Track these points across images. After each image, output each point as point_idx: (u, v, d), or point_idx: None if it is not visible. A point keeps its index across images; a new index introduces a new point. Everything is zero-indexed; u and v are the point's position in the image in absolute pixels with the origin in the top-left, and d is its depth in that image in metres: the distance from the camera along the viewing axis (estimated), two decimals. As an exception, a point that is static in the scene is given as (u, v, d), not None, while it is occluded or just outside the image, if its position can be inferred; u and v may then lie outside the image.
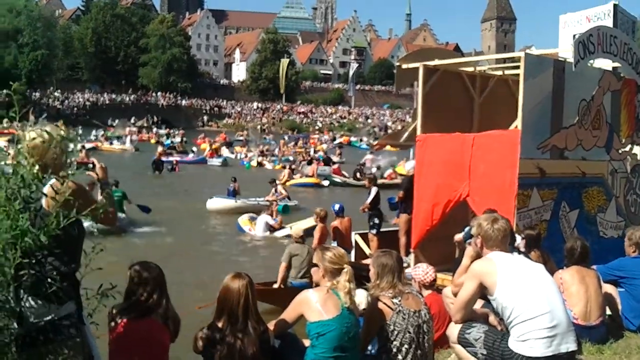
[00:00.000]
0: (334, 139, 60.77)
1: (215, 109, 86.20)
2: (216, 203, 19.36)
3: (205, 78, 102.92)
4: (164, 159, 32.78)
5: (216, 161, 35.98)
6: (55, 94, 77.34)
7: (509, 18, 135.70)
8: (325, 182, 27.38)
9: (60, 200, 2.96)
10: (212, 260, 13.21)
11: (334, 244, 10.70)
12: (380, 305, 3.90)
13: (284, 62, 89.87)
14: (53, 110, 68.35)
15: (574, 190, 8.67)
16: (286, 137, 53.19)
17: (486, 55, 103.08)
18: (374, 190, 11.24)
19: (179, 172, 30.97)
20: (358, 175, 26.39)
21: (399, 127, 55.53)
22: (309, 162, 32.41)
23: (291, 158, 37.22)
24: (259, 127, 75.16)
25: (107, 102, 79.81)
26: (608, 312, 5.73)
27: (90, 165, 3.62)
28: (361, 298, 4.25)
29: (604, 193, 9.12)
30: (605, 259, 6.51)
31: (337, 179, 27.26)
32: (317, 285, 3.93)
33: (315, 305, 3.73)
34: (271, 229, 15.73)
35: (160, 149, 35.98)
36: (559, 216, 8.45)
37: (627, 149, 9.66)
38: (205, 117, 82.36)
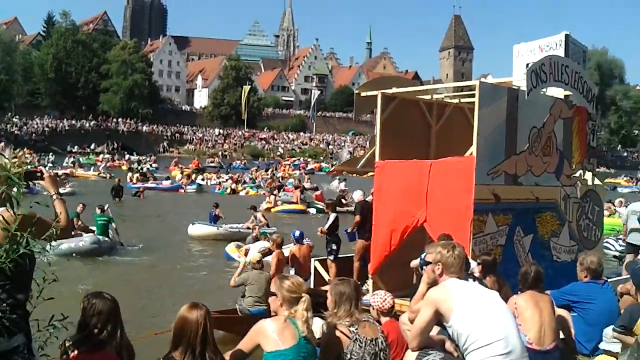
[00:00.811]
0: (307, 164, 61.19)
1: (177, 135, 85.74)
2: (198, 229, 19.10)
3: (167, 104, 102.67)
4: (134, 185, 33.12)
5: (190, 188, 35.76)
6: (14, 119, 76.02)
7: (466, 47, 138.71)
8: (312, 210, 27.29)
9: (11, 230, 2.90)
10: (199, 287, 13.02)
11: (292, 270, 10.67)
12: (337, 333, 3.89)
13: (246, 88, 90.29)
14: (11, 136, 67.29)
15: (528, 215, 8.83)
16: (258, 164, 53.37)
17: (444, 83, 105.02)
18: (332, 216, 11.23)
19: (144, 198, 30.55)
20: (343, 201, 26.36)
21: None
22: (278, 188, 32.64)
23: (261, 184, 37.30)
24: (220, 153, 74.88)
25: (67, 127, 78.87)
26: (562, 336, 5.82)
27: (39, 174, 3.52)
28: (317, 326, 4.23)
29: (557, 218, 9.30)
30: (559, 282, 6.64)
31: (320, 205, 27.22)
32: (275, 314, 3.91)
33: (272, 335, 3.70)
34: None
35: (130, 174, 36.50)
36: (514, 241, 8.57)
37: (578, 174, 9.90)
38: (166, 143, 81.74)
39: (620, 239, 14.92)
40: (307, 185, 34.93)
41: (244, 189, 35.87)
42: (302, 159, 71.93)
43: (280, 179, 40.71)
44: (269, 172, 46.05)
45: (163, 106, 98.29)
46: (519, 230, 8.66)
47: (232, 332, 8.30)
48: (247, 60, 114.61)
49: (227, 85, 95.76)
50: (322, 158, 77.11)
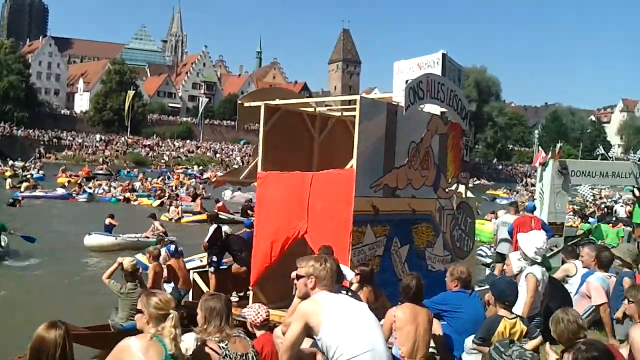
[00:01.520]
0: (202, 173, 60.11)
1: (54, 140, 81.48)
2: (95, 239, 18.36)
3: (45, 107, 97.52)
4: (22, 192, 31.90)
5: (81, 197, 34.25)
6: None
7: (354, 61, 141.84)
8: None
9: None
10: (92, 301, 12.31)
11: (171, 283, 10.40)
12: (207, 350, 3.82)
13: (130, 93, 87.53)
14: None
15: (405, 226, 9.10)
16: (146, 171, 51.74)
17: (332, 95, 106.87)
18: (211, 228, 11.02)
19: (21, 207, 28.59)
20: (249, 212, 25.81)
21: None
22: (173, 197, 32.06)
23: (151, 194, 36.31)
24: (101, 160, 71.98)
25: None
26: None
27: None
28: (190, 342, 4.12)
29: (432, 229, 9.66)
30: (434, 291, 6.86)
31: (224, 215, 26.59)
32: (142, 331, 3.77)
33: (137, 354, 3.56)
34: None
35: (9, 181, 35.10)
36: (391, 251, 8.80)
37: (453, 187, 10.36)
38: (42, 149, 77.39)
39: (492, 247, 15.70)
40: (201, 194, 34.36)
41: (137, 198, 35.03)
42: (195, 167, 70.71)
43: (173, 187, 39.88)
44: (160, 180, 44.94)
45: (41, 110, 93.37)
46: (396, 241, 8.91)
47: (105, 349, 7.94)
48: (132, 64, 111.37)
49: (110, 89, 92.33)
50: (211, 167, 76.04)
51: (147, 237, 18.12)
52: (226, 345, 3.88)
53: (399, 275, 8.49)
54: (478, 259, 14.78)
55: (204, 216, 26.60)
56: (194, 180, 49.67)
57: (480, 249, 15.78)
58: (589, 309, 7.93)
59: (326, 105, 11.78)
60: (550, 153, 15.39)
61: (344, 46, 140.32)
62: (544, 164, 15.01)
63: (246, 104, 9.61)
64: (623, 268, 7.60)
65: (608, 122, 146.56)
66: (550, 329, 4.56)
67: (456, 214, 10.30)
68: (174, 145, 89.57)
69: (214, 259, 10.47)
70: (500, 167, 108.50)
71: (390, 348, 5.49)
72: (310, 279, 3.96)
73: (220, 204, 28.90)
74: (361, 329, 3.80)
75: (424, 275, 8.91)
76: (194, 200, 31.57)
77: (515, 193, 56.25)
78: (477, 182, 77.40)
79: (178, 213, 26.96)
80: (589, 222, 17.81)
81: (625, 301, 5.32)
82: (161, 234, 18.70)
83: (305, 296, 4.00)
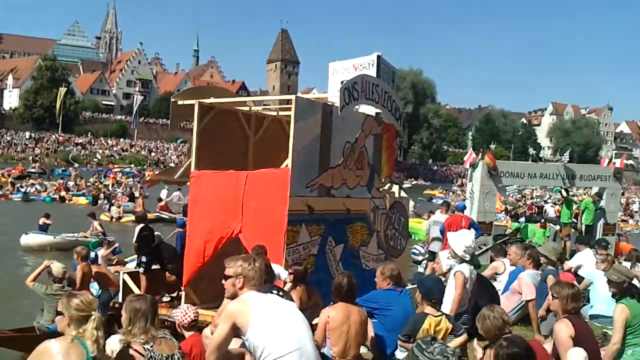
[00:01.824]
0: (141, 172, 58.92)
1: (-20, 137, 78.20)
2: (32, 239, 17.77)
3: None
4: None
5: (16, 196, 33.14)
6: None
7: (292, 61, 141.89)
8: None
9: None
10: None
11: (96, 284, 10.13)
12: (131, 351, 3.73)
13: (62, 90, 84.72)
14: None
15: (339, 226, 9.17)
16: (82, 169, 50.25)
17: (270, 95, 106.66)
18: (137, 228, 10.77)
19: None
20: None
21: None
22: (108, 198, 31.45)
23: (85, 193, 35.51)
24: (31, 158, 69.48)
25: None
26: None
27: None
28: (115, 343, 4.02)
29: (366, 228, 9.77)
30: (368, 290, 6.90)
31: (165, 215, 25.98)
32: (63, 334, 3.65)
33: (57, 357, 3.46)
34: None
35: None
36: (326, 250, 8.86)
37: (387, 187, 10.49)
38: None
39: (426, 245, 15.97)
40: (137, 194, 33.58)
41: (72, 197, 34.24)
42: (132, 166, 69.25)
43: (109, 186, 39.02)
44: (96, 179, 43.82)
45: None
46: (330, 240, 8.96)
47: (30, 352, 7.68)
48: (64, 61, 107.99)
49: (41, 86, 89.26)
50: (147, 166, 74.54)
51: (86, 237, 17.62)
52: (151, 347, 3.80)
53: (333, 274, 8.53)
54: (412, 257, 15.04)
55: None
56: (131, 179, 48.66)
57: (415, 247, 16.03)
58: (519, 305, 8.19)
59: (264, 105, 11.74)
60: (480, 155, 15.80)
61: (283, 46, 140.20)
62: (474, 165, 15.40)
63: (180, 102, 9.49)
64: (547, 266, 7.86)
65: (538, 124, 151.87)
66: (477, 326, 4.68)
67: (390, 214, 10.43)
68: (107, 144, 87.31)
69: (144, 259, 10.23)
70: (435, 167, 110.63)
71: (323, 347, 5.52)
72: (239, 279, 3.93)
73: (162, 203, 28.44)
74: (289, 328, 3.79)
75: (358, 274, 9.01)
76: (131, 200, 30.91)
77: (451, 193, 57.53)
78: (415, 182, 78.95)
79: (119, 212, 26.34)
80: (519, 222, 18.40)
81: (550, 297, 5.50)
82: (99, 234, 18.24)
83: (233, 296, 3.97)
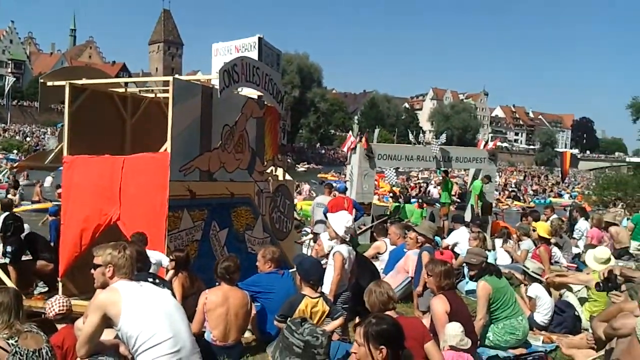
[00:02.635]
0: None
1: None
2: None
3: None
4: None
5: None
6: None
7: (176, 42, 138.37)
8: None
9: None
10: None
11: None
12: (-6, 347, 3.49)
13: None
14: None
15: (223, 210, 9.04)
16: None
17: (154, 76, 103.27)
18: (2, 217, 10.03)
19: None
20: None
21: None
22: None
23: None
24: None
25: None
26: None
27: None
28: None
29: (251, 212, 9.69)
30: (254, 273, 6.89)
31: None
32: None
33: None
34: None
35: None
36: (210, 236, 8.71)
37: (271, 170, 10.45)
38: None
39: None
40: (22, 181, 31.23)
41: None
42: (16, 152, 64.81)
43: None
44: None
45: None
46: (214, 225, 8.81)
47: None
48: None
49: None
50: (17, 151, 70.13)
51: None
52: (16, 341, 3.57)
53: (218, 260, 8.42)
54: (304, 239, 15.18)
55: (45, 205, 24.64)
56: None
57: (305, 230, 16.18)
58: (404, 282, 8.44)
59: (147, 87, 11.31)
60: (357, 138, 16.19)
61: (165, 27, 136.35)
62: (353, 149, 15.81)
63: (49, 83, 8.94)
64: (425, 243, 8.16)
65: (420, 109, 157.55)
66: (364, 301, 4.81)
67: (275, 197, 10.41)
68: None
69: (9, 249, 9.54)
70: (323, 151, 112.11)
71: (203, 332, 5.43)
72: (108, 268, 3.78)
73: (60, 190, 26.73)
74: (162, 316, 3.70)
75: (244, 258, 8.95)
76: (15, 187, 28.71)
77: (343, 176, 58.57)
78: (308, 166, 79.94)
79: (15, 201, 24.51)
80: (399, 202, 18.97)
81: (424, 275, 5.69)
82: None
83: (103, 286, 3.81)
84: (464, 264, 9.52)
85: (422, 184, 42.44)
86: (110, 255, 3.78)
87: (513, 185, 53.25)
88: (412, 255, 8.12)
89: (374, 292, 4.71)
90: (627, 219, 16.36)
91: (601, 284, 6.21)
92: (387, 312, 4.58)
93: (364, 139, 15.84)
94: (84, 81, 8.84)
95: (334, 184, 15.43)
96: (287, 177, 11.12)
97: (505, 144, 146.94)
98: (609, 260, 7.81)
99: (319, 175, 58.46)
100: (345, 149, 16.29)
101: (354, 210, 12.38)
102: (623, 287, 5.99)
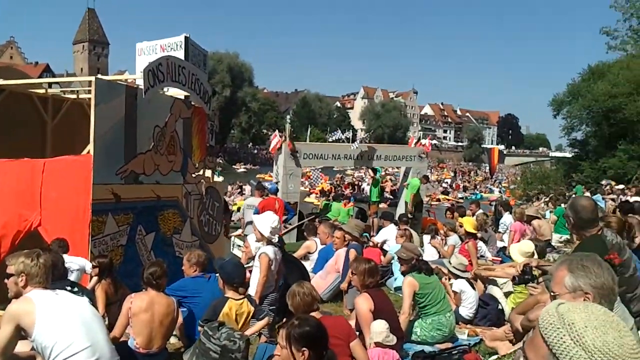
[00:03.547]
0: None
1: None
2: None
3: None
4: None
5: None
6: None
7: (101, 42, 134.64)
8: None
9: None
10: None
11: None
12: None
13: None
14: None
15: (150, 213, 8.86)
16: None
17: (79, 77, 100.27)
18: None
19: None
20: None
21: None
22: None
23: None
24: None
25: None
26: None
27: None
28: None
29: (179, 215, 9.53)
30: (182, 277, 6.76)
31: None
32: None
33: None
34: None
35: None
36: (136, 240, 8.52)
37: (200, 172, 10.32)
38: None
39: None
40: None
41: None
42: None
43: None
44: None
45: None
46: (140, 229, 8.63)
47: None
48: None
49: None
50: None
51: None
52: None
53: (144, 265, 8.25)
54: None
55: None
56: None
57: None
58: (335, 282, 8.47)
59: (72, 88, 10.95)
60: (283, 138, 16.26)
61: (90, 26, 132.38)
62: (279, 148, 15.86)
63: (-38, 84, 8.56)
64: (351, 241, 8.23)
65: (352, 108, 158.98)
66: (288, 303, 4.78)
67: (204, 199, 10.28)
68: None
69: None
70: (255, 151, 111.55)
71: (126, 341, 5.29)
72: (21, 277, 3.64)
73: None
74: (79, 325, 3.59)
75: (171, 262, 8.80)
76: None
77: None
78: (247, 166, 79.63)
79: None
80: (328, 200, 19.08)
81: (350, 273, 5.74)
82: None
83: (17, 295, 3.67)
84: (392, 261, 9.69)
85: (357, 182, 42.85)
86: (22, 263, 3.64)
87: (447, 182, 54.57)
88: (343, 254, 8.18)
89: (298, 294, 4.72)
90: (550, 212, 17.02)
91: (517, 277, 6.43)
92: (312, 313, 4.60)
93: (287, 139, 15.89)
94: (0, 82, 8.49)
95: (268, 185, 15.41)
96: (217, 178, 11.02)
97: (434, 141, 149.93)
98: (533, 254, 8.09)
99: (257, 176, 58.19)
100: (270, 149, 16.32)
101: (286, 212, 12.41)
102: (540, 280, 6.22)
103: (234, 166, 78.62)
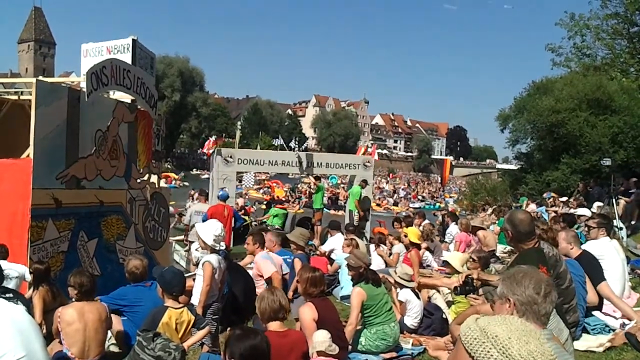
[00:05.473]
0: None
1: None
2: None
3: None
4: None
5: None
6: None
7: (48, 42, 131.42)
8: None
9: None
10: None
11: None
12: None
13: None
14: None
15: (92, 219, 8.67)
16: None
17: (23, 77, 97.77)
18: None
19: None
20: None
21: None
22: None
23: None
24: None
25: None
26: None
27: None
28: None
29: (123, 221, 9.35)
30: (125, 284, 6.61)
31: None
32: None
33: None
34: None
35: None
36: (78, 246, 8.33)
37: (146, 177, 10.14)
38: None
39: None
40: None
41: None
42: None
43: None
44: None
45: None
46: (82, 235, 8.44)
47: None
48: None
49: None
50: None
51: None
52: None
53: (87, 271, 8.04)
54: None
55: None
56: None
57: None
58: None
59: (15, 89, 10.61)
60: (215, 142, 16.32)
61: (36, 25, 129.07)
62: (212, 152, 15.94)
63: None
64: (297, 251, 8.20)
65: (303, 115, 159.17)
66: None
67: (149, 205, 10.12)
68: None
69: None
70: (205, 157, 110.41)
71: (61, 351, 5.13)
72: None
73: None
74: (14, 334, 3.44)
75: (115, 269, 8.65)
76: None
77: (239, 182, 58.27)
78: (196, 172, 79.27)
79: None
80: (271, 207, 19.10)
81: (295, 281, 5.71)
82: None
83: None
84: (339, 270, 9.70)
85: (312, 190, 42.98)
86: None
87: (401, 192, 55.29)
88: (261, 260, 8.09)
89: (266, 299, 4.65)
90: (493, 223, 17.33)
91: (458, 288, 6.51)
92: (275, 322, 4.57)
93: (211, 144, 16.03)
94: None
95: (208, 191, 15.31)
96: (163, 184, 10.85)
97: (385, 151, 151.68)
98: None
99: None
100: (205, 151, 16.57)
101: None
102: (481, 291, 6.31)
103: (197, 171, 77.98)
